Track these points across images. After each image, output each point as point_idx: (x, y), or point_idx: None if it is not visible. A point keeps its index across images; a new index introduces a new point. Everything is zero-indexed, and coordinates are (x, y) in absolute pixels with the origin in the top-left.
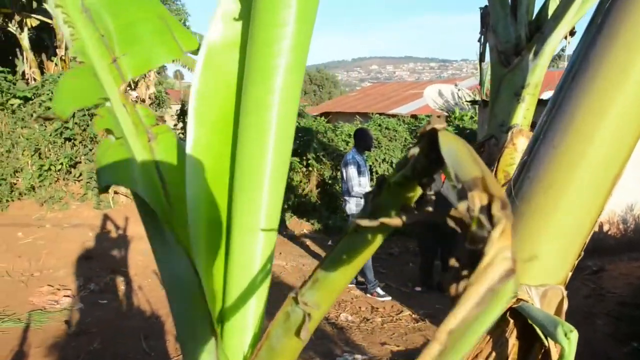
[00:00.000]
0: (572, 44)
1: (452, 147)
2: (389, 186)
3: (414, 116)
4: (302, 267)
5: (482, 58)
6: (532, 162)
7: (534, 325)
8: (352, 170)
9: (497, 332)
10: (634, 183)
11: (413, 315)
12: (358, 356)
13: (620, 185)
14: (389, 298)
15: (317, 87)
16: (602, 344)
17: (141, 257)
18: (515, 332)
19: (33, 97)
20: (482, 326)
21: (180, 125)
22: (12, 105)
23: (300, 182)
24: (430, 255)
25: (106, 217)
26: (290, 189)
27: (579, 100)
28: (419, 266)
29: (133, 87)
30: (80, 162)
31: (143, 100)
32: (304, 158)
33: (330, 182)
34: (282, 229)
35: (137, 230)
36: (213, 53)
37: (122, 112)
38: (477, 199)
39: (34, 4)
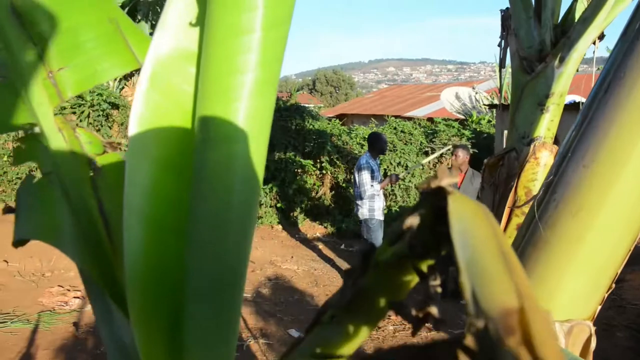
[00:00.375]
0: (601, 48)
1: (468, 229)
2: (378, 266)
3: (430, 119)
4: (314, 271)
5: (502, 64)
6: (558, 182)
7: None
8: (365, 176)
9: None
10: None
11: (426, 324)
12: None
13: None
14: None
15: (333, 89)
16: (622, 358)
17: None
18: None
19: None
20: None
21: None
22: None
23: (314, 185)
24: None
25: None
26: (303, 191)
27: (613, 114)
28: None
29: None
30: (113, 139)
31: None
32: (318, 161)
33: (344, 185)
34: (295, 231)
35: None
36: (161, 68)
37: (56, 139)
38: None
39: None
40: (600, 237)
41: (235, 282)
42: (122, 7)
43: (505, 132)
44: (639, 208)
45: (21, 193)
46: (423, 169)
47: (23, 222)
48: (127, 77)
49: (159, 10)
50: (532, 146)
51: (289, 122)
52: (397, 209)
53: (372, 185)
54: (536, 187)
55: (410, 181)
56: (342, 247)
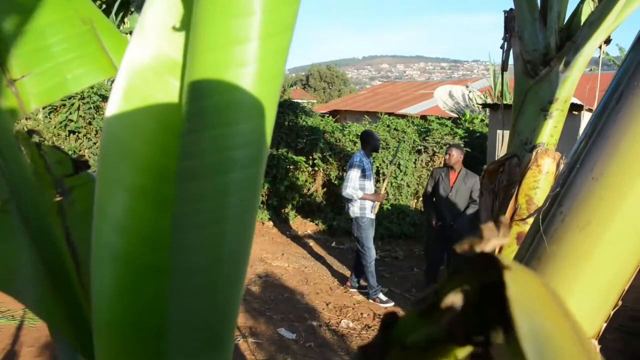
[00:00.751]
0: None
1: (541, 330)
2: (404, 348)
3: (424, 117)
4: (304, 269)
5: (504, 67)
6: (565, 194)
7: None
8: (353, 173)
9: None
10: None
11: None
12: None
13: None
14: (392, 304)
15: (326, 85)
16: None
17: None
18: None
19: None
20: None
21: None
22: None
23: (306, 181)
24: (436, 261)
25: None
26: (295, 188)
27: (625, 125)
28: (424, 272)
29: None
30: (84, 156)
31: None
32: (310, 157)
33: (336, 182)
34: (286, 228)
35: None
36: (138, 80)
37: (16, 159)
38: None
39: None
40: (609, 253)
41: (227, 336)
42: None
43: (499, 131)
44: None
45: None
46: (416, 167)
47: None
48: None
49: None
50: (534, 153)
51: (282, 118)
52: (389, 207)
53: (358, 188)
54: (537, 195)
55: (402, 179)
56: (333, 244)
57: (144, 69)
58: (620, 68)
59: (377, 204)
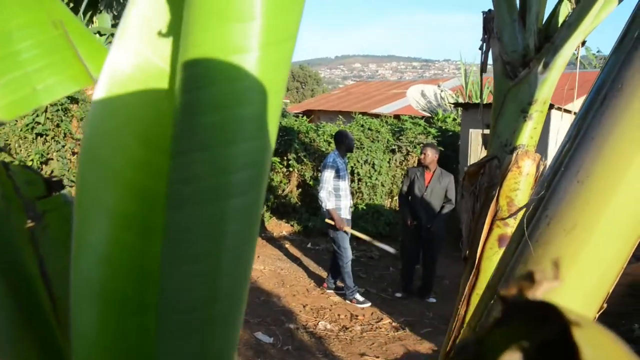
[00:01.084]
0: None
1: None
2: None
3: (397, 116)
4: (280, 271)
5: (484, 68)
6: (550, 198)
7: None
8: (327, 174)
9: None
10: None
11: (393, 323)
12: None
13: None
14: (369, 304)
15: (299, 84)
16: None
17: None
18: None
19: None
20: None
21: None
22: None
23: (281, 182)
24: (411, 260)
25: None
26: (270, 189)
27: (610, 127)
28: (400, 271)
29: None
30: (52, 159)
31: None
32: (285, 158)
33: (311, 183)
34: (261, 230)
35: None
36: (120, 92)
37: None
38: None
39: None
40: (595, 256)
41: None
42: None
43: (472, 130)
44: (634, 226)
45: None
46: (390, 166)
47: None
48: None
49: None
50: (514, 155)
51: None
52: (364, 207)
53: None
54: (518, 197)
55: (376, 179)
56: (309, 245)
57: (127, 79)
58: (603, 70)
59: (352, 203)
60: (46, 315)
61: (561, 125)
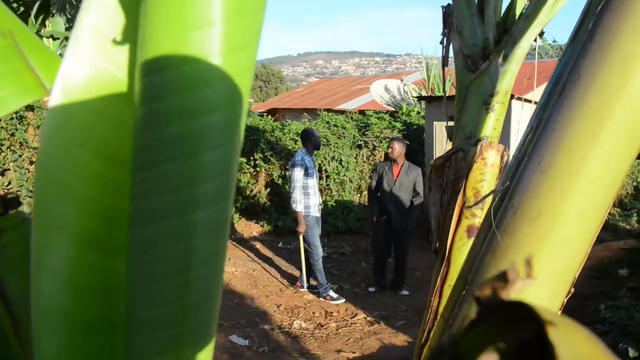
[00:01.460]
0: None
1: None
2: None
3: (362, 112)
4: (252, 272)
5: (445, 62)
6: (516, 188)
7: None
8: (296, 173)
9: None
10: None
11: (368, 318)
12: None
13: None
14: (343, 300)
15: (262, 83)
16: None
17: None
18: None
19: None
20: None
21: None
22: None
23: (248, 182)
24: (383, 254)
25: None
26: (238, 190)
27: (569, 117)
28: (372, 266)
29: None
30: (9, 170)
31: None
32: (252, 158)
33: (279, 182)
34: (231, 232)
35: None
36: (75, 104)
37: None
38: None
39: None
40: (561, 241)
41: None
42: (32, 1)
43: (435, 123)
44: (599, 209)
45: None
46: (357, 162)
47: None
48: None
49: (75, 1)
50: (479, 146)
51: None
52: (333, 204)
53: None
54: (484, 188)
55: (344, 175)
56: (280, 245)
57: (82, 91)
58: (561, 61)
59: (321, 201)
60: (7, 340)
61: (522, 115)
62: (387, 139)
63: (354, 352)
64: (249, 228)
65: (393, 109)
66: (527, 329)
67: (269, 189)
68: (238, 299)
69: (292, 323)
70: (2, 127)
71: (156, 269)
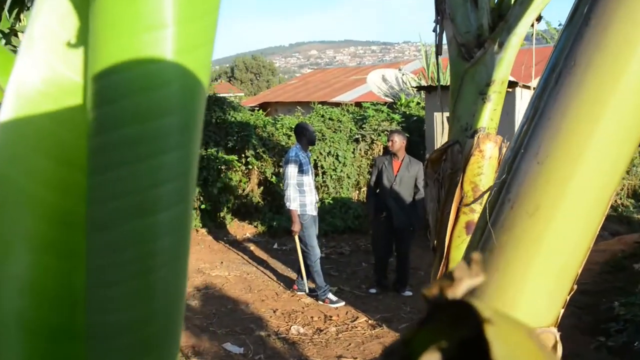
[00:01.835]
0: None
1: None
2: None
3: (359, 104)
4: (247, 276)
5: (439, 51)
6: (512, 181)
7: None
8: (290, 169)
9: None
10: None
11: (369, 321)
12: None
13: None
14: (343, 303)
15: (253, 76)
16: (569, 336)
17: None
18: None
19: None
20: None
21: None
22: None
23: (240, 181)
24: (384, 254)
25: None
26: (229, 190)
27: (566, 105)
28: (373, 266)
29: None
30: None
31: None
32: (243, 155)
33: (273, 180)
34: (223, 234)
35: None
36: (29, 108)
37: None
38: None
39: None
40: (561, 236)
41: None
42: None
43: (437, 114)
44: (597, 203)
45: None
46: (354, 157)
47: None
48: None
49: None
50: (475, 138)
51: (209, 116)
52: (331, 201)
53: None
54: (482, 181)
55: (342, 171)
56: (275, 246)
57: (36, 94)
58: (556, 47)
59: (318, 198)
60: None
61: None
62: (386, 132)
63: (356, 358)
64: (242, 229)
65: (391, 100)
66: (470, 327)
67: (262, 188)
68: (232, 305)
69: (290, 328)
70: None
71: (116, 272)
